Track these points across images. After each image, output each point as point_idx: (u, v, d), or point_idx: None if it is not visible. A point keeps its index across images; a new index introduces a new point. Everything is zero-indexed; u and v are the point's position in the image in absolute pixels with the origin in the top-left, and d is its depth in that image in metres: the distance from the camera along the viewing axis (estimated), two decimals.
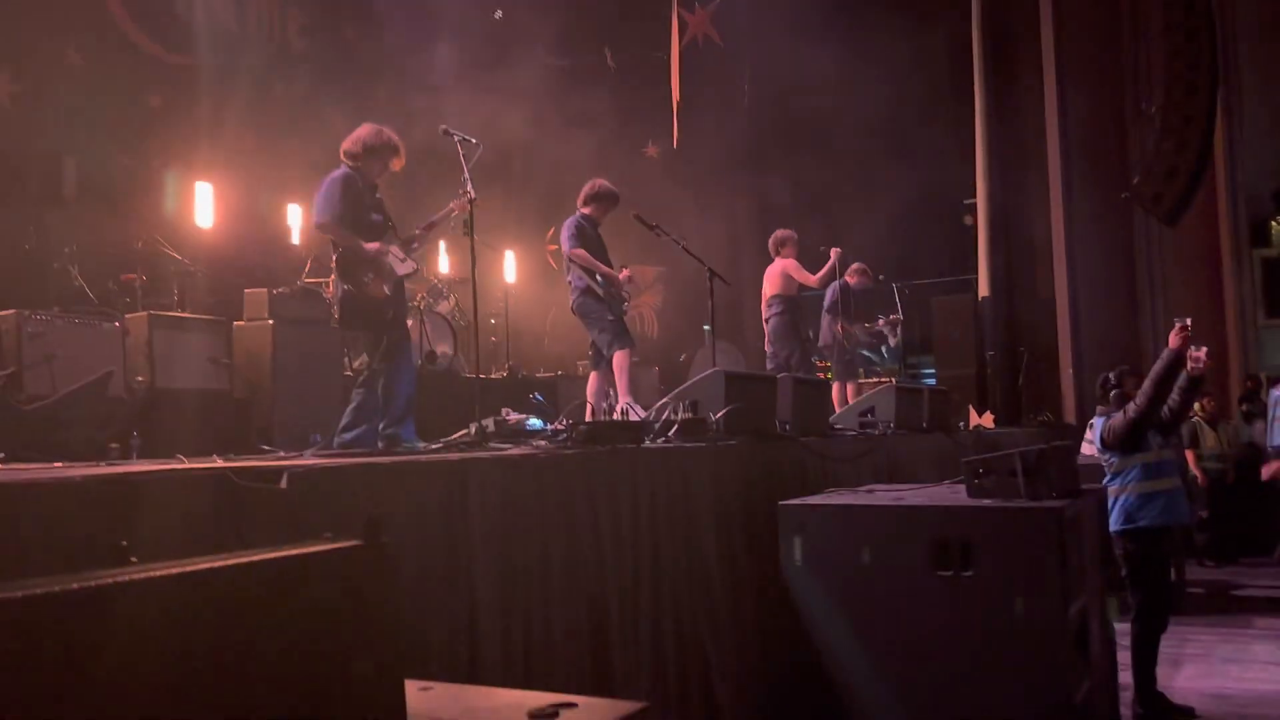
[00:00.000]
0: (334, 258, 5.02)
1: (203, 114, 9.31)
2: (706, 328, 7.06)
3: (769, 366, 7.74)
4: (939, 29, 11.02)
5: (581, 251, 6.38)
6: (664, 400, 4.38)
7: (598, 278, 6.30)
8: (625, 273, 6.57)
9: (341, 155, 5.00)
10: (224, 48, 9.67)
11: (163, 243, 7.41)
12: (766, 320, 8.14)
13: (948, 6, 11.17)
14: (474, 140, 4.64)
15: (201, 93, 9.31)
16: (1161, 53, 10.22)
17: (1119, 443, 5.00)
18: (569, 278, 6.52)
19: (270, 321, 6.18)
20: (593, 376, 6.30)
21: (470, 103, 9.63)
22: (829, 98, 10.64)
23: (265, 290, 6.44)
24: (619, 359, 6.19)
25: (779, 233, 8.25)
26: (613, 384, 6.00)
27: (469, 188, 4.49)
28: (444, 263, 9.64)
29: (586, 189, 6.62)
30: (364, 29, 11.37)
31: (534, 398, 5.80)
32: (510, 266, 10.46)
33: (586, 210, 6.58)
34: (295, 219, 9.21)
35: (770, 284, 8.19)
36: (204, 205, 8.35)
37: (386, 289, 4.95)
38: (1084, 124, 10.93)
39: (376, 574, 0.87)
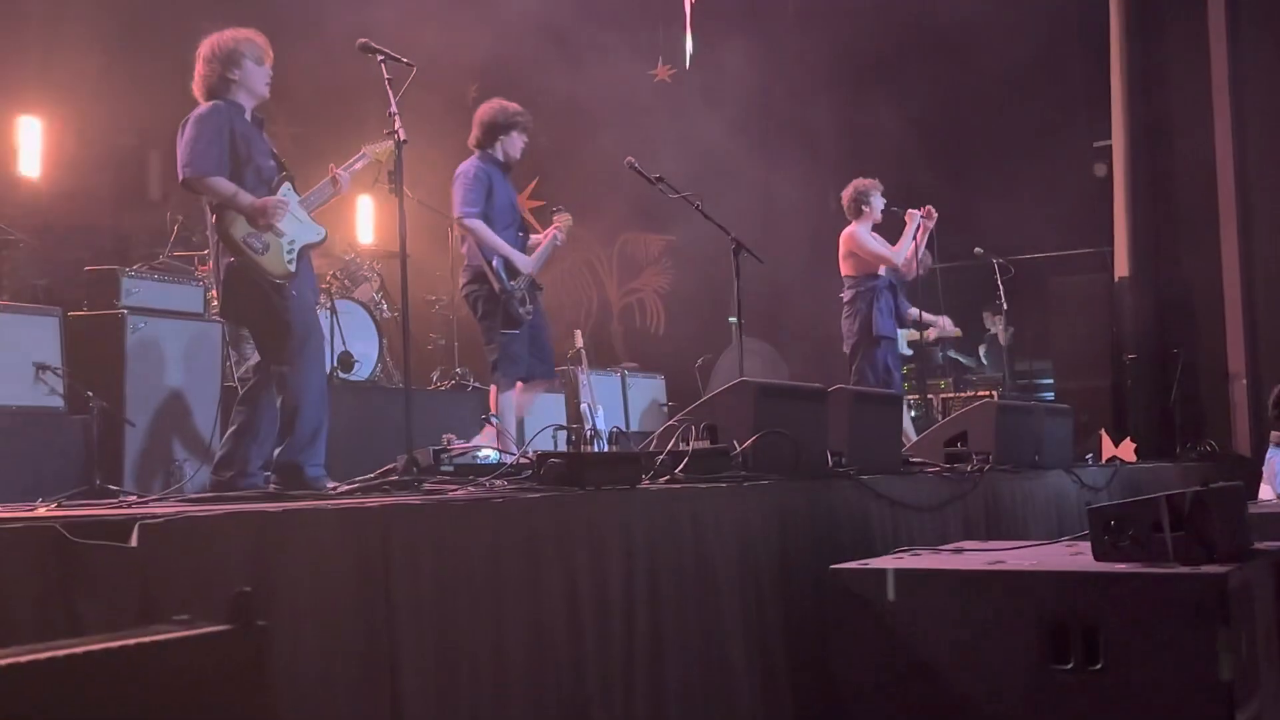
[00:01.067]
0: (211, 219, 5.05)
1: (29, 21, 9.37)
2: (733, 320, 7.11)
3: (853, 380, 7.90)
4: None
5: (478, 223, 6.43)
6: (671, 423, 4.40)
7: (494, 262, 6.41)
8: (556, 225, 6.69)
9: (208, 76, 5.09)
10: None
11: None
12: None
13: None
14: (405, 60, 4.67)
15: None
16: None
17: None
18: (464, 248, 6.62)
19: (121, 311, 6.23)
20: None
21: (410, 12, 9.66)
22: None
23: (115, 268, 6.49)
24: (500, 398, 6.36)
25: (855, 184, 8.39)
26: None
27: (398, 124, 4.52)
28: (364, 230, 9.69)
29: (482, 116, 6.69)
30: None
31: (488, 419, 5.83)
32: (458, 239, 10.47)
33: (486, 151, 6.66)
34: (158, 168, 9.26)
35: (842, 259, 8.41)
36: (29, 149, 8.42)
37: (289, 262, 5.00)
38: (1263, 47, 10.97)
39: (247, 669, 0.91)
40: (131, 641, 0.88)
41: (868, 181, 8.43)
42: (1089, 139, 11.80)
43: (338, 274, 8.34)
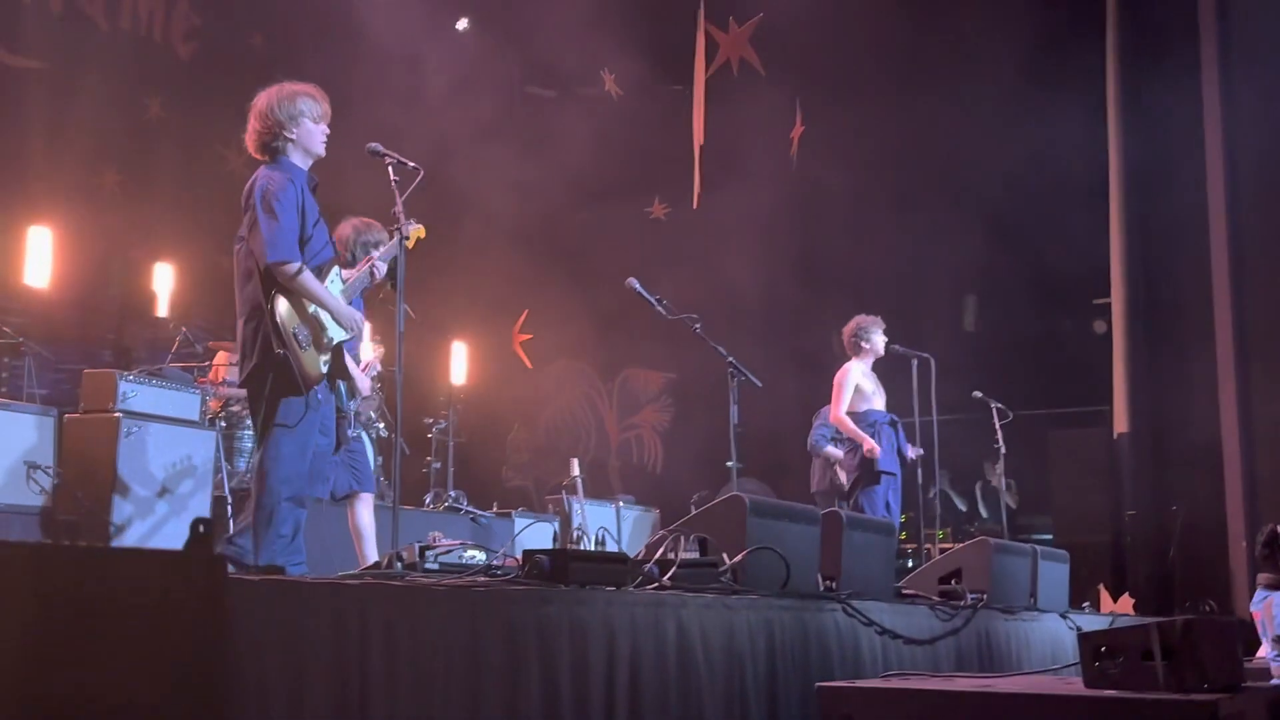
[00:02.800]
0: (264, 302, 4.82)
1: (46, 135, 9.63)
2: (731, 464, 7.16)
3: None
4: (1061, 57, 11.38)
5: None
6: (662, 533, 4.38)
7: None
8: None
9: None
10: (84, 50, 10.05)
11: None
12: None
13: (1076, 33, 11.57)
14: (411, 164, 4.78)
15: (47, 107, 9.64)
16: None
17: None
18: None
19: (116, 414, 6.26)
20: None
21: (419, 140, 9.92)
22: (908, 143, 10.95)
23: (113, 372, 6.54)
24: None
25: (856, 320, 8.50)
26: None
27: (403, 222, 4.61)
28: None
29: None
30: (277, 37, 11.83)
31: (476, 517, 5.81)
32: (460, 362, 10.57)
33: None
34: (165, 283, 9.39)
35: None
36: (38, 258, 8.54)
37: (323, 363, 4.92)
38: (1261, 198, 11.16)
39: (204, 589, 0.94)
40: (105, 546, 0.92)
41: (869, 319, 8.54)
42: (1088, 294, 11.94)
43: None
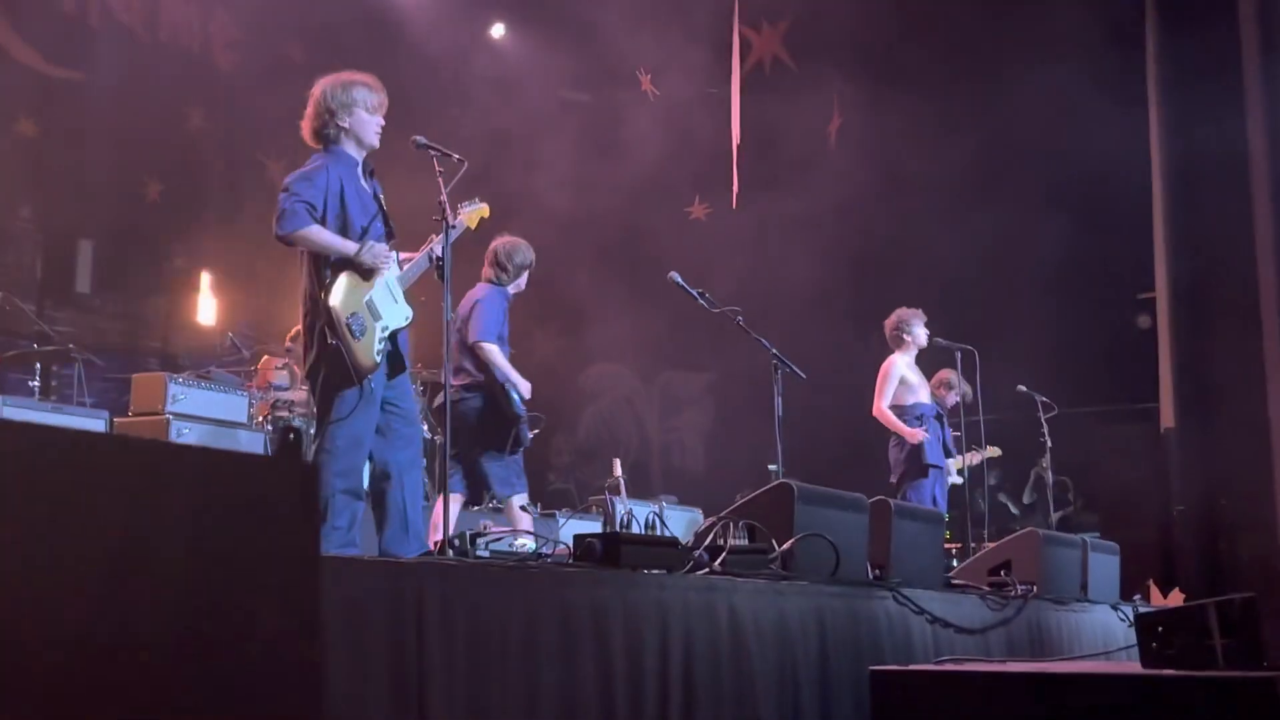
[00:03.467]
0: (317, 291, 4.86)
1: (87, 145, 9.77)
2: (773, 468, 7.16)
3: None
4: (1102, 36, 11.32)
5: (494, 350, 6.73)
6: (711, 520, 4.39)
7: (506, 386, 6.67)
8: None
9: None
10: (124, 61, 10.18)
11: (21, 305, 7.67)
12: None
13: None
14: (456, 156, 4.82)
15: (88, 117, 9.78)
16: None
17: None
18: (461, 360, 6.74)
19: (166, 417, 6.33)
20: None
21: (457, 146, 10.00)
22: (948, 137, 10.91)
23: (163, 374, 6.62)
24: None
25: (897, 313, 8.51)
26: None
27: (448, 211, 4.65)
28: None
29: (499, 249, 7.04)
30: (315, 47, 11.95)
31: (527, 507, 5.85)
32: None
33: (507, 284, 7.05)
34: (208, 291, 9.50)
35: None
36: (84, 268, 8.71)
37: (377, 353, 4.96)
38: None
39: (295, 493, 0.97)
40: (195, 447, 0.96)
41: (910, 311, 8.53)
42: (1132, 289, 11.86)
43: None
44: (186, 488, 0.96)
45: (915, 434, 8.25)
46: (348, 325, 4.77)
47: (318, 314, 4.83)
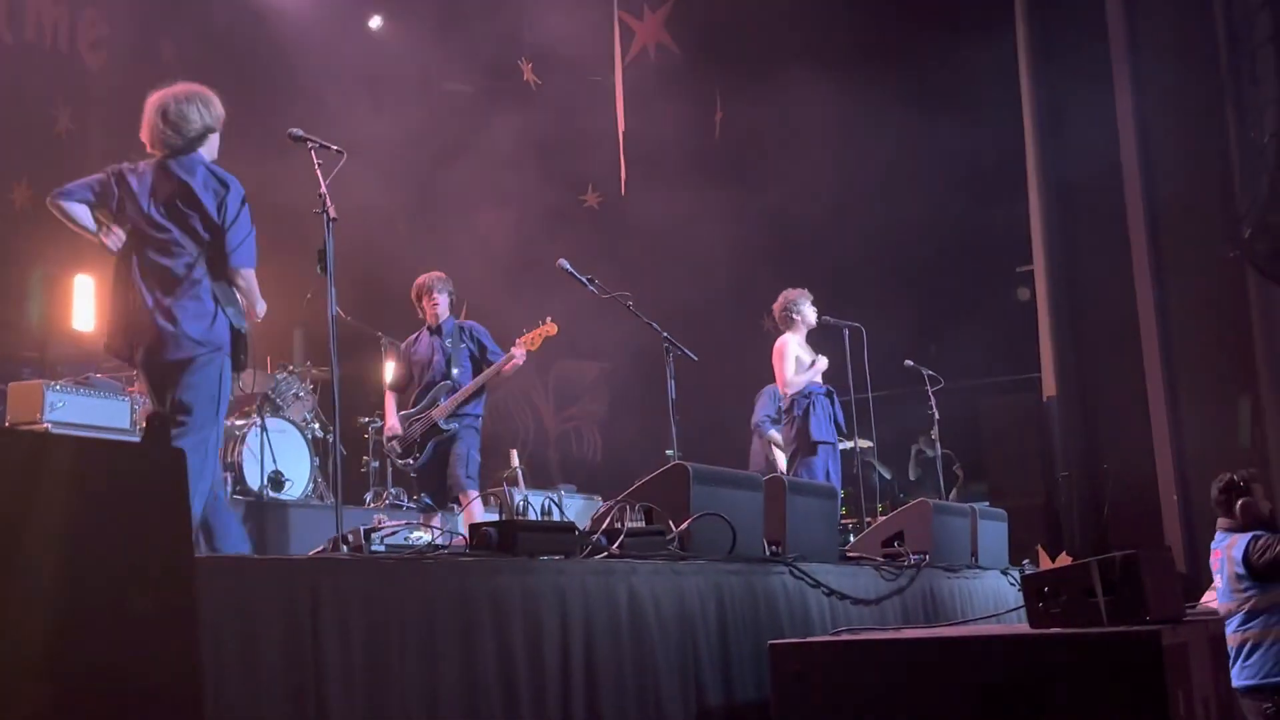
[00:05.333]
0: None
1: None
2: (670, 453, 7.23)
3: None
4: (979, 29, 11.53)
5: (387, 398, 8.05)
6: (608, 504, 4.40)
7: None
8: (517, 348, 7.81)
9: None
10: None
11: None
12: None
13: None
14: (335, 148, 4.76)
15: None
16: (1274, 65, 10.76)
17: (1273, 569, 5.13)
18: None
19: (44, 425, 6.15)
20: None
21: (337, 142, 9.85)
22: (830, 119, 11.04)
23: (38, 383, 6.43)
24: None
25: (784, 294, 8.64)
26: None
27: (328, 204, 4.59)
28: (298, 354, 9.70)
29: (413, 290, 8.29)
30: (186, 42, 11.69)
31: (418, 498, 5.80)
32: (391, 362, 10.49)
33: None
34: (85, 296, 9.25)
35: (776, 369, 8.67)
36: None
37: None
38: (1173, 163, 11.40)
39: (165, 478, 0.96)
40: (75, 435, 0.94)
41: (796, 291, 8.64)
42: (1011, 262, 12.11)
43: (269, 393, 8.30)
44: (56, 475, 0.95)
45: (817, 363, 8.54)
46: None
47: None
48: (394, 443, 7.82)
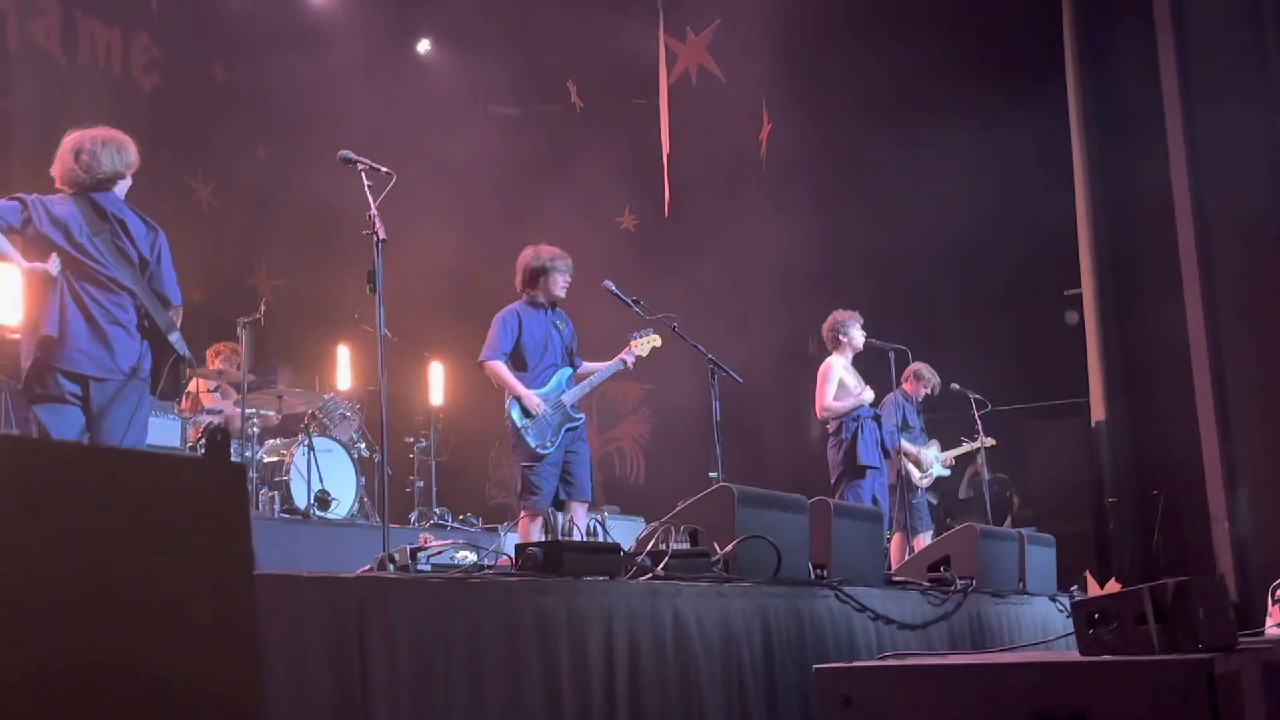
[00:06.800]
0: None
1: (9, 174, 9.60)
2: (713, 475, 7.18)
3: None
4: (1027, 53, 11.48)
5: (494, 364, 6.98)
6: (653, 525, 4.40)
7: (507, 401, 6.89)
8: (632, 347, 7.10)
9: None
10: (43, 86, 10.02)
11: None
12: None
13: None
14: (384, 169, 4.80)
15: (11, 145, 9.61)
16: None
17: None
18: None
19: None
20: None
21: (385, 164, 9.93)
22: (875, 142, 11.02)
23: None
24: (522, 523, 6.76)
25: (833, 316, 8.62)
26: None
27: (378, 225, 4.63)
28: (343, 376, 9.77)
29: (522, 263, 7.17)
30: (238, 66, 11.84)
31: (468, 519, 5.82)
32: (437, 382, 10.57)
33: (534, 293, 7.10)
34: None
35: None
36: (10, 296, 8.51)
37: None
38: (1225, 187, 11.28)
39: (225, 494, 0.97)
40: (126, 450, 0.95)
41: (846, 313, 8.63)
42: (1060, 285, 12.03)
43: (316, 413, 8.37)
44: (113, 491, 0.96)
45: (863, 398, 8.45)
46: None
47: None
48: (529, 424, 6.86)
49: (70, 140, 5.22)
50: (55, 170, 5.20)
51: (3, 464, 0.91)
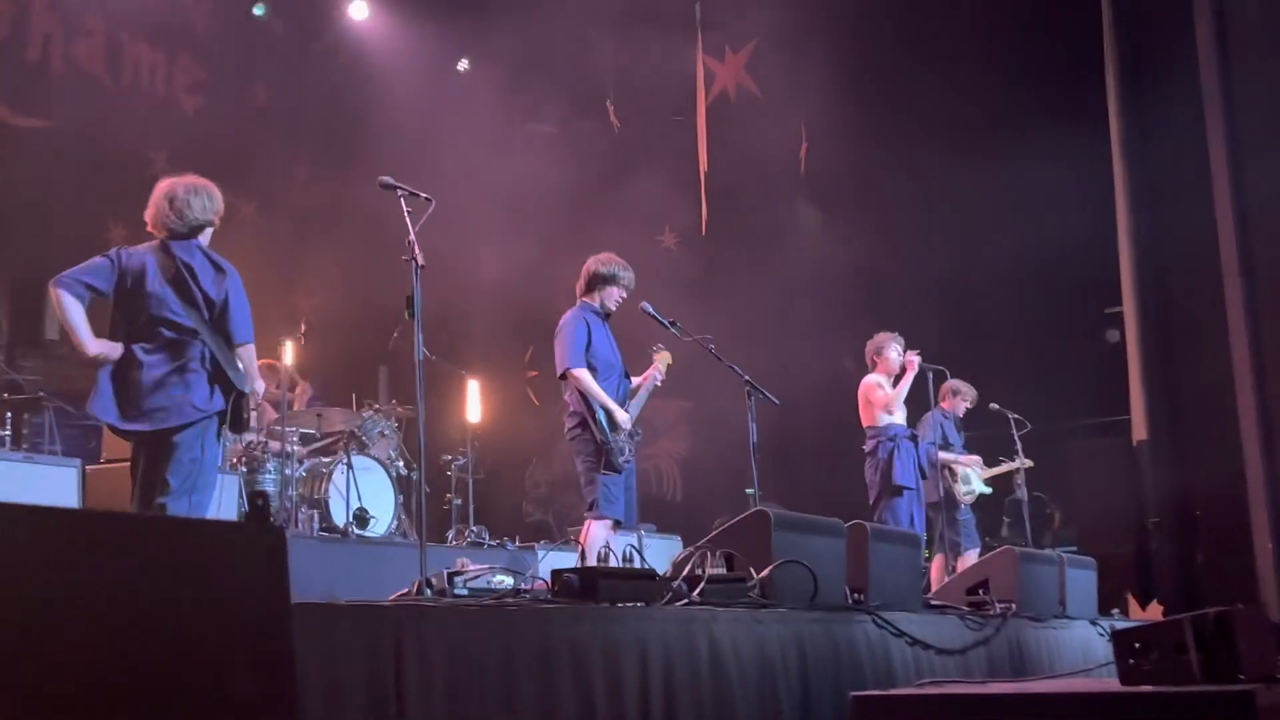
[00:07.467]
0: None
1: (51, 191, 9.74)
2: (750, 491, 7.16)
3: None
4: (1064, 67, 11.42)
5: (583, 374, 6.56)
6: (689, 550, 4.39)
7: (597, 413, 6.55)
8: (655, 365, 6.93)
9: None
10: (89, 106, 10.15)
11: None
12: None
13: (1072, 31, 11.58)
14: (423, 195, 4.83)
15: (52, 163, 9.75)
16: None
17: None
18: (566, 395, 6.72)
19: None
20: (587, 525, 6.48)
21: (424, 183, 9.99)
22: (914, 160, 10.99)
23: None
24: (592, 529, 6.50)
25: (876, 337, 8.61)
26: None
27: (416, 252, 4.66)
28: (382, 394, 9.84)
29: (589, 267, 6.89)
30: (279, 86, 11.96)
31: (504, 544, 5.83)
32: (474, 399, 10.61)
33: (591, 299, 6.83)
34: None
35: (861, 409, 8.65)
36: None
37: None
38: (1269, 203, 11.15)
39: (266, 556, 0.98)
40: (165, 517, 0.97)
41: (887, 335, 8.68)
42: (1100, 303, 11.94)
43: (355, 431, 8.42)
44: (153, 557, 0.97)
45: (911, 361, 8.48)
46: None
47: None
48: (617, 438, 6.57)
49: (164, 186, 5.36)
50: (149, 215, 5.33)
51: (50, 534, 0.92)
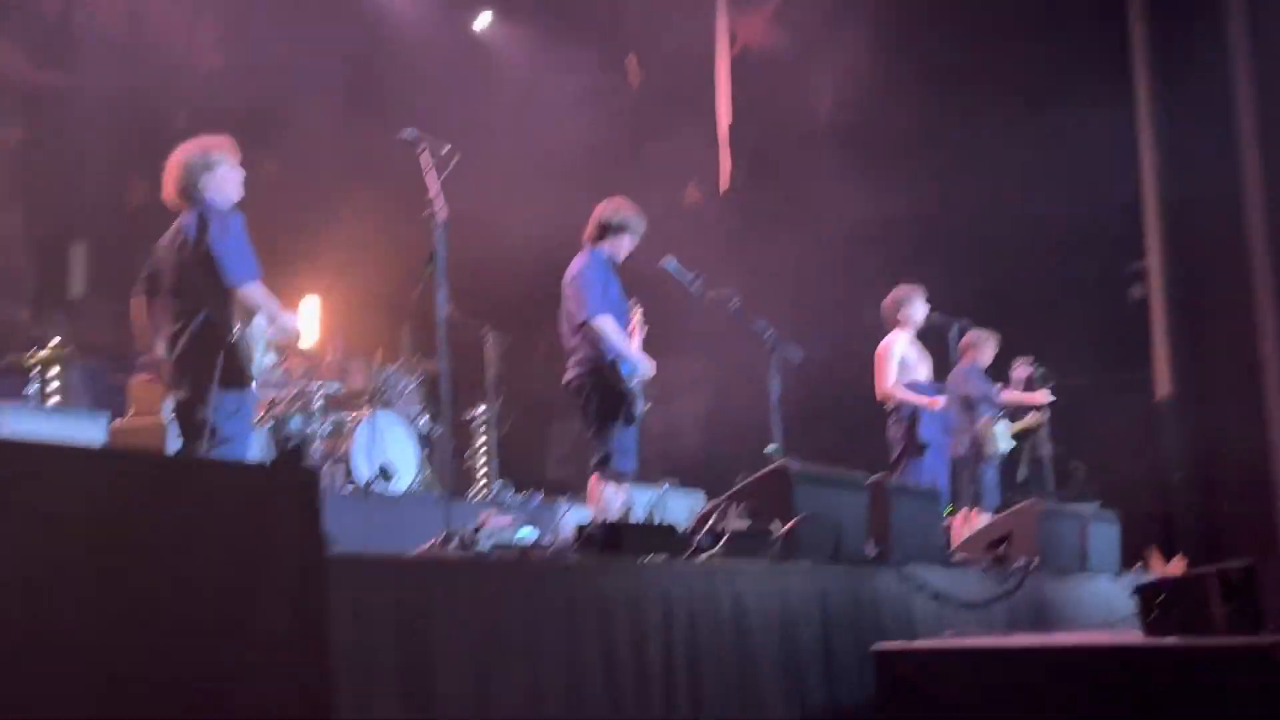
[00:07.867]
0: None
1: (75, 148, 9.75)
2: (771, 448, 7.00)
3: None
4: (1091, 21, 11.30)
5: (607, 322, 6.22)
6: (710, 505, 4.40)
7: (617, 362, 6.23)
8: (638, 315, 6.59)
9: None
10: (111, 61, 10.14)
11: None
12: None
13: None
14: (447, 147, 4.81)
15: (76, 120, 9.76)
16: None
17: None
18: (573, 341, 6.40)
19: (164, 420, 6.31)
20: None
21: (448, 138, 9.95)
22: (938, 115, 10.89)
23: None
24: (604, 490, 6.20)
25: (895, 290, 8.40)
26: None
27: (439, 205, 4.65)
28: (405, 341, 9.85)
29: (601, 214, 6.51)
30: (302, 45, 11.90)
31: (528, 498, 5.85)
32: (496, 355, 10.61)
33: (600, 247, 6.51)
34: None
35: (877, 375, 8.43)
36: (77, 272, 8.73)
37: None
38: None
39: (298, 495, 0.99)
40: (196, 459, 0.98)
41: (909, 287, 8.39)
42: (1125, 258, 11.85)
43: (379, 387, 8.44)
44: (184, 499, 0.98)
45: (935, 401, 8.19)
46: None
47: None
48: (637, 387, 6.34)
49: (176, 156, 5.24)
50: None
51: (82, 474, 0.93)
